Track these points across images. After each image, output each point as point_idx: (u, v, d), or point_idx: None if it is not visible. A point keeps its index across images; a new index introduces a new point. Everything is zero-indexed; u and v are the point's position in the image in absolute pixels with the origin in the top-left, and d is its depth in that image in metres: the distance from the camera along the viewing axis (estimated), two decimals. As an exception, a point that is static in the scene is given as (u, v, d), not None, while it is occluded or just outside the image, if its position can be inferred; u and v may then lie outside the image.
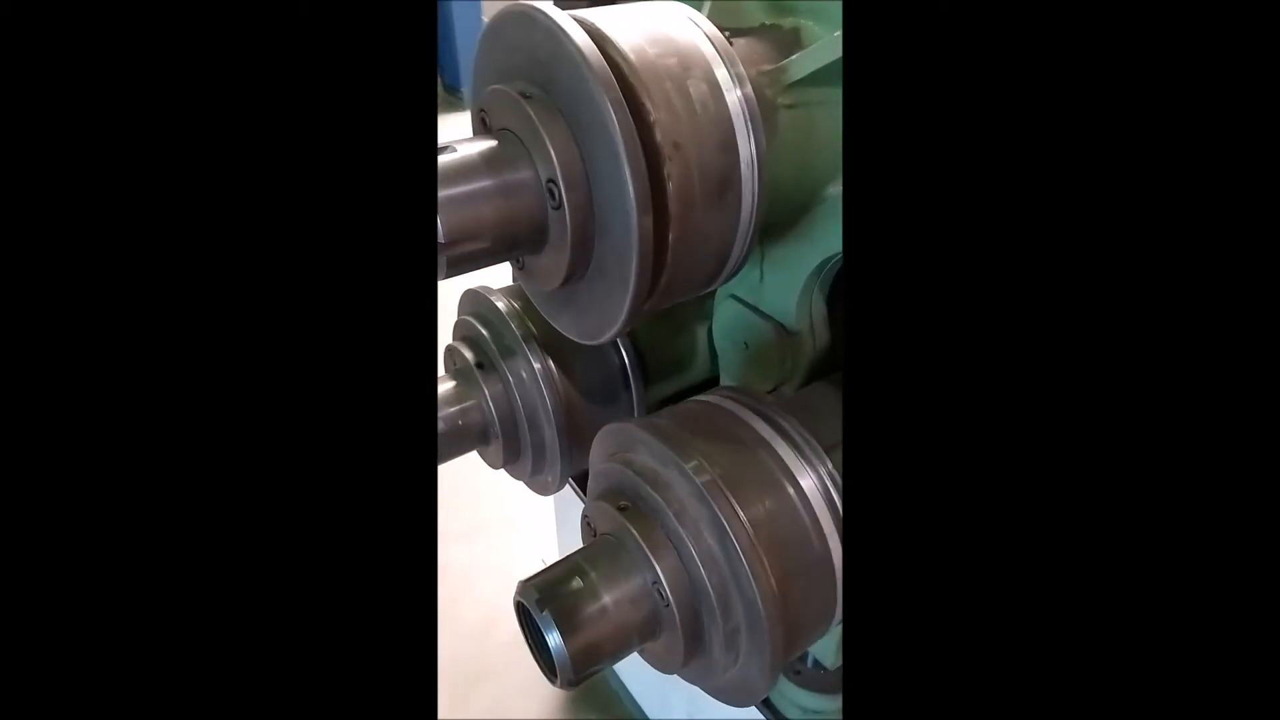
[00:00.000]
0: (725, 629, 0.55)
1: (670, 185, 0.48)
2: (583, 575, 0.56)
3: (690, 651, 0.58)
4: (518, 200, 0.48)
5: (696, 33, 0.51)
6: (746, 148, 0.50)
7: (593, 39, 0.46)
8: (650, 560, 0.57)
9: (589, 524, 0.64)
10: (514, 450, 0.79)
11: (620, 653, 0.56)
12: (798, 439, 0.58)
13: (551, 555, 1.43)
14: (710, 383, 0.90)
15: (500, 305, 0.75)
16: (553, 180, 0.48)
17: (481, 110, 0.53)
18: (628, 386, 0.78)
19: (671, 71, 0.48)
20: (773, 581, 0.53)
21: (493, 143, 0.49)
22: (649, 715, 1.24)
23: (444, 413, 0.74)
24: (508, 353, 0.76)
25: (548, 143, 0.47)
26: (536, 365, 0.74)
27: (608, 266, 0.50)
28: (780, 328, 0.73)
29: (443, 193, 0.46)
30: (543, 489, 0.82)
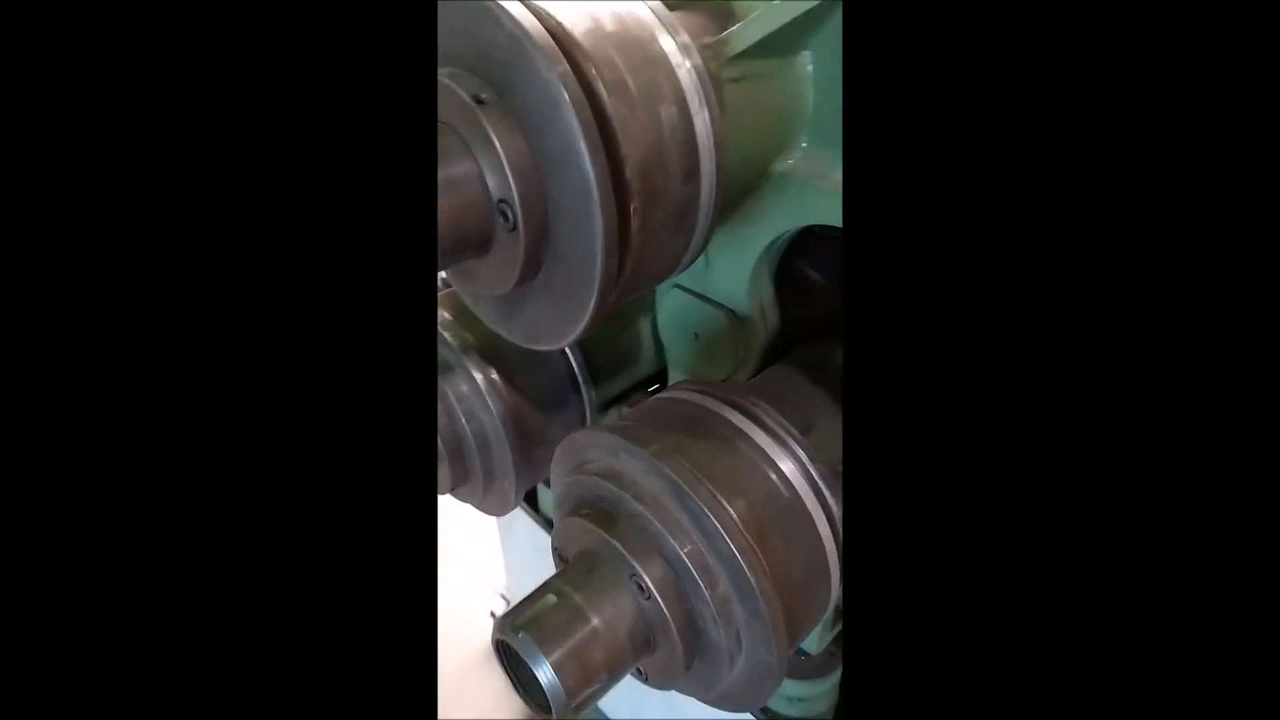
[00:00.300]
0: (725, 627, 0.52)
1: (635, 219, 0.45)
2: (563, 597, 0.52)
3: (690, 658, 0.55)
4: (462, 202, 0.44)
5: (651, 18, 0.48)
6: (705, 134, 0.47)
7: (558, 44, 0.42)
8: (634, 566, 0.53)
9: (559, 552, 0.60)
10: (462, 472, 0.73)
11: (618, 673, 0.52)
12: (771, 424, 0.56)
13: (500, 587, 1.38)
14: (658, 377, 0.88)
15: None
16: (506, 201, 0.43)
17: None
18: (577, 389, 0.74)
19: (637, 69, 0.45)
20: (769, 571, 0.50)
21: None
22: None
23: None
24: (445, 368, 0.70)
25: (505, 163, 0.42)
26: (478, 377, 0.69)
27: (568, 270, 0.46)
28: (730, 314, 0.71)
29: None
30: (498, 509, 0.77)
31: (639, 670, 0.58)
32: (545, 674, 0.48)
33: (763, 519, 0.54)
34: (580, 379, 0.74)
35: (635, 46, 0.45)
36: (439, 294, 0.74)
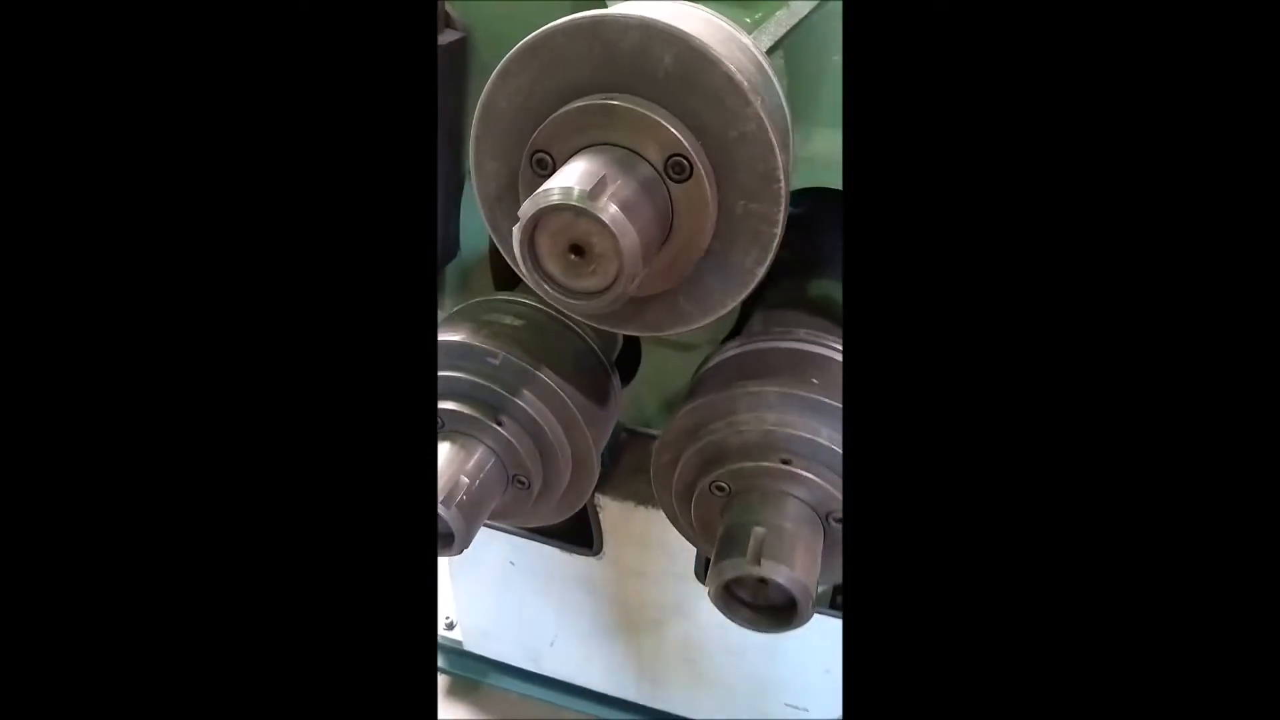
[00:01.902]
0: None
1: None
2: (765, 525, 0.60)
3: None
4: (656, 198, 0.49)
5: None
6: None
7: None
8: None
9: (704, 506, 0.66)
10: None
11: (814, 568, 0.62)
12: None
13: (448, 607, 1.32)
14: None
15: (483, 343, 0.69)
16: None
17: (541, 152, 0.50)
18: (607, 374, 0.79)
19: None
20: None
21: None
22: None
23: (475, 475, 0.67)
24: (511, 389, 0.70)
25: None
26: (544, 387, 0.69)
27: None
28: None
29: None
30: (562, 512, 0.78)
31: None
32: (796, 583, 0.56)
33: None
34: (610, 367, 0.79)
35: (740, 48, 0.53)
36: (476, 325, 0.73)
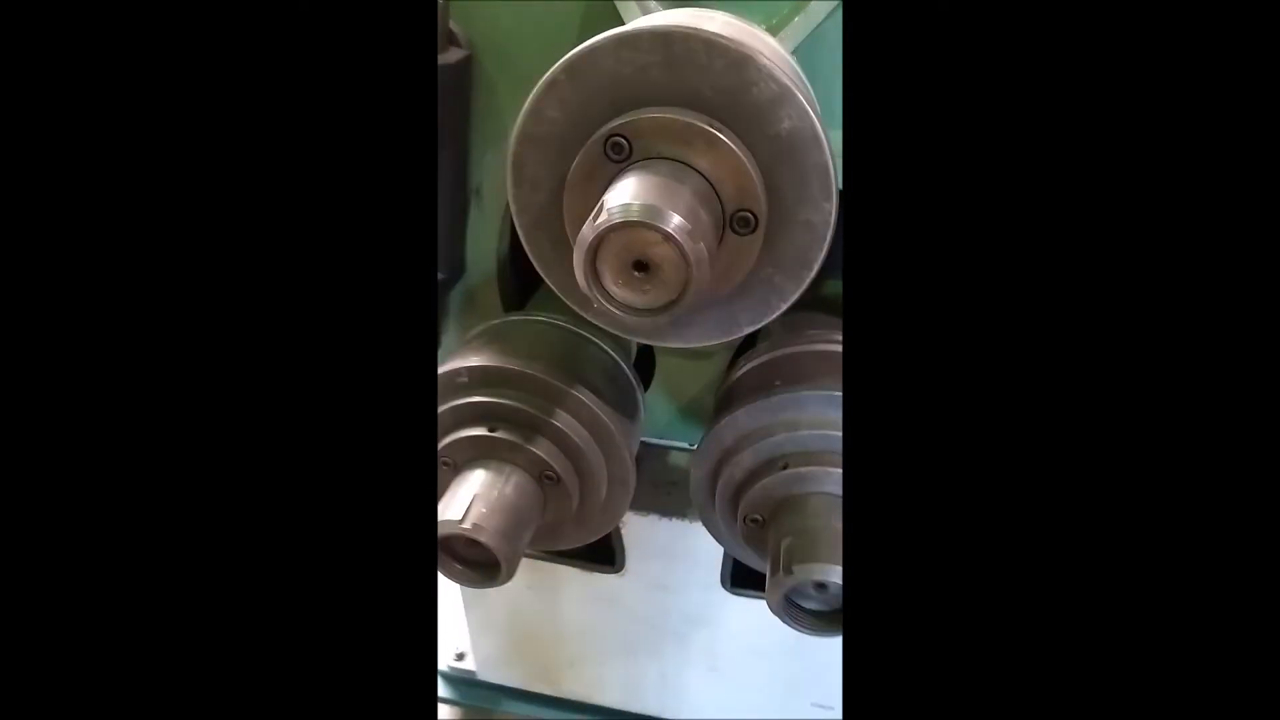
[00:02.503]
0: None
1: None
2: (818, 522, 0.60)
3: None
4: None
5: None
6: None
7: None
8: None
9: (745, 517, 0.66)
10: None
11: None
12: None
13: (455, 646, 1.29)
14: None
15: (511, 364, 0.68)
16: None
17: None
18: (631, 386, 0.78)
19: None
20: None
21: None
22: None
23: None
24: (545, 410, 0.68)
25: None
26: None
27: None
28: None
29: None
30: (586, 536, 0.77)
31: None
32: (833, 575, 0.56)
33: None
34: (631, 375, 0.78)
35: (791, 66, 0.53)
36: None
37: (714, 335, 0.58)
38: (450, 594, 1.35)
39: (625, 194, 0.46)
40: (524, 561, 1.02)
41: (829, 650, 1.00)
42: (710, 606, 1.00)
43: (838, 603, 0.60)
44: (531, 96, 0.52)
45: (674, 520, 0.92)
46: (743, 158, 0.48)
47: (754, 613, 0.99)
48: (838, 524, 0.60)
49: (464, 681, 1.27)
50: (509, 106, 0.76)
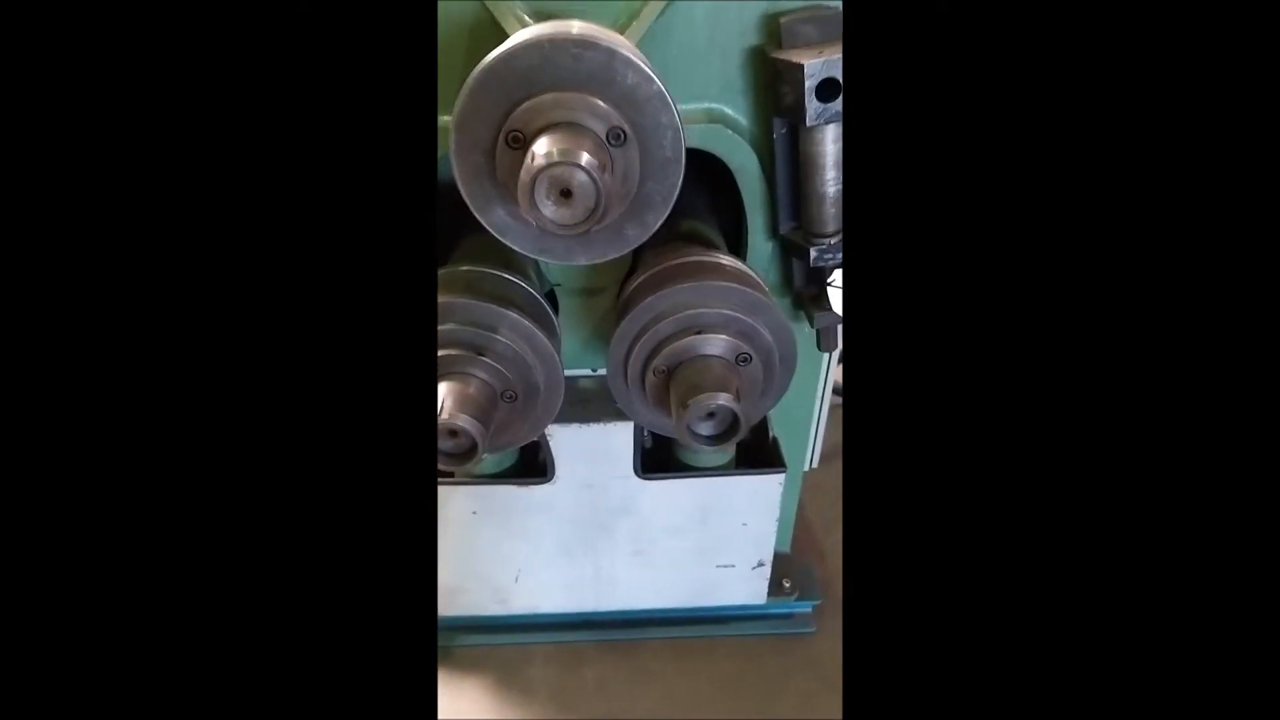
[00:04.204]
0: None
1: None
2: (715, 358, 0.84)
3: None
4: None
5: None
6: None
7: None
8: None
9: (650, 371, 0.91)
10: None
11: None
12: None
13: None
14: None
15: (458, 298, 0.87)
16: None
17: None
18: (550, 315, 0.99)
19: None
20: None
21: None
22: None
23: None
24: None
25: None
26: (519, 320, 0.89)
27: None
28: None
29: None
30: (534, 431, 0.98)
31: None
32: (738, 403, 0.81)
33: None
34: (549, 307, 0.99)
35: (630, 49, 0.77)
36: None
37: (609, 250, 0.81)
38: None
39: (548, 145, 0.68)
40: (469, 489, 1.22)
41: (724, 512, 1.26)
42: (629, 496, 1.23)
43: (725, 425, 0.86)
44: (463, 94, 0.72)
45: (591, 425, 1.15)
46: (609, 108, 0.71)
47: (664, 495, 1.24)
48: (721, 370, 0.85)
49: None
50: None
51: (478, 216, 0.79)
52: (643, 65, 0.71)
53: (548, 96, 0.71)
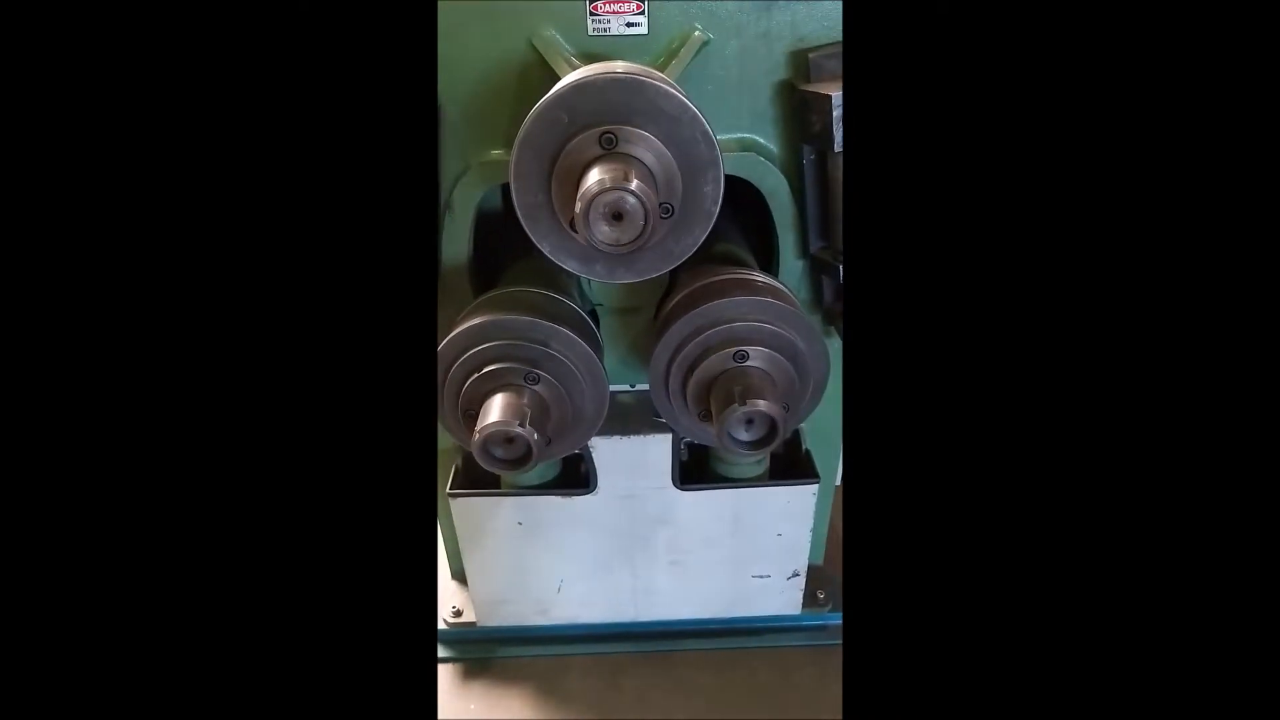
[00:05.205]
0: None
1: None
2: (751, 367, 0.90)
3: None
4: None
5: None
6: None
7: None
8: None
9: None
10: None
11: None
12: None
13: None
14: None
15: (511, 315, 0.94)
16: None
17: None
18: (594, 328, 1.06)
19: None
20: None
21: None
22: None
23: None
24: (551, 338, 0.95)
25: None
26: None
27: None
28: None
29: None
30: (576, 443, 1.04)
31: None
32: (776, 409, 0.87)
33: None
34: (594, 323, 1.06)
35: (674, 88, 0.84)
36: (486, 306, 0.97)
37: (656, 267, 0.88)
38: (440, 559, 1.55)
39: (600, 173, 0.75)
40: (515, 500, 1.27)
41: (758, 523, 1.30)
42: (666, 506, 1.28)
43: (764, 431, 0.91)
44: (525, 125, 0.79)
45: (631, 437, 1.20)
46: (654, 138, 0.78)
47: (701, 506, 1.28)
48: (759, 379, 0.91)
49: (460, 639, 1.47)
50: (470, 143, 1.03)
51: (533, 239, 0.86)
52: (683, 99, 0.78)
53: (600, 129, 0.78)
